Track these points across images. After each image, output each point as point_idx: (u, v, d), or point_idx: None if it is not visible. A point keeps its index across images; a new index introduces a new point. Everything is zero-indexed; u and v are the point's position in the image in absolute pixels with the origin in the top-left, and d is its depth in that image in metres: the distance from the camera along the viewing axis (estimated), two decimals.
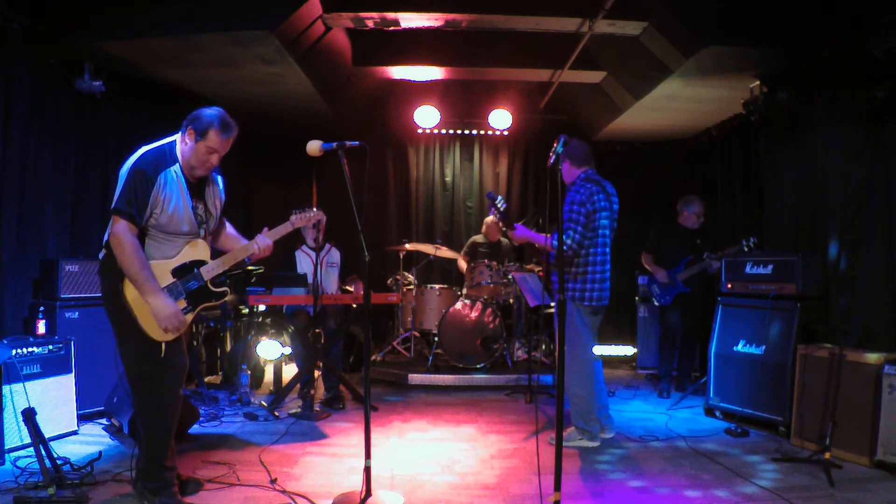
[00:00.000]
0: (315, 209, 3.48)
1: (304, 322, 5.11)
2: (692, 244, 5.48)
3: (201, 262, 3.02)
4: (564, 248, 3.87)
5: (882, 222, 4.35)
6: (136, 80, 5.37)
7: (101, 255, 2.94)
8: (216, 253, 3.14)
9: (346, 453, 3.87)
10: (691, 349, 5.64)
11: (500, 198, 4.18)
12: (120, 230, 2.75)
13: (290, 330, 5.27)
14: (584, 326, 4.04)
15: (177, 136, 2.97)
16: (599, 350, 4.68)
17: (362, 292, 5.06)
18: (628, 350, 7.32)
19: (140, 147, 2.93)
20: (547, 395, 5.49)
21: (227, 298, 3.15)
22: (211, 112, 2.93)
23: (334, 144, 3.11)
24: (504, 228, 6.55)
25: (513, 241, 4.96)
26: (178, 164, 2.90)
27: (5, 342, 3.76)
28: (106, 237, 2.89)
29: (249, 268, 5.86)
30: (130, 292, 2.83)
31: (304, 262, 5.36)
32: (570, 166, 4.10)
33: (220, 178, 3.19)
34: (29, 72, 4.46)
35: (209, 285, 3.04)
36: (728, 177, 6.57)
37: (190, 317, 3.00)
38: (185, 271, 2.96)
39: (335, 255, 5.48)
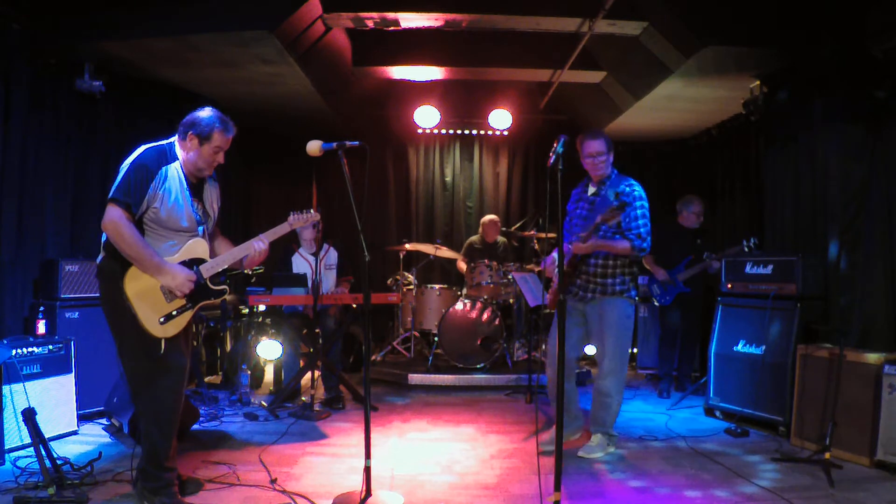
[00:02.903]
0: (313, 210, 3.48)
1: (296, 325, 5.10)
2: (692, 244, 5.48)
3: (201, 261, 3.03)
4: (646, 245, 3.99)
5: (882, 223, 4.35)
6: (136, 80, 5.37)
7: (98, 259, 2.96)
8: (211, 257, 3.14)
9: (346, 453, 3.87)
10: (691, 349, 5.63)
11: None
12: (116, 216, 2.76)
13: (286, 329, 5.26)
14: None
15: (174, 138, 3.00)
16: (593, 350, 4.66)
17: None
18: None
19: (140, 146, 2.95)
20: (547, 395, 5.49)
21: (226, 297, 3.16)
22: (207, 115, 2.97)
23: (334, 144, 3.11)
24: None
25: (510, 240, 4.89)
26: (178, 162, 2.94)
27: (5, 342, 3.76)
28: (104, 237, 2.89)
29: None
30: (131, 287, 2.83)
31: (300, 265, 5.33)
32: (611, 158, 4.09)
33: (216, 183, 3.23)
34: (29, 72, 4.46)
35: (209, 283, 3.05)
36: (728, 177, 6.57)
37: (189, 314, 3.00)
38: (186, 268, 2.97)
39: (332, 256, 5.45)
